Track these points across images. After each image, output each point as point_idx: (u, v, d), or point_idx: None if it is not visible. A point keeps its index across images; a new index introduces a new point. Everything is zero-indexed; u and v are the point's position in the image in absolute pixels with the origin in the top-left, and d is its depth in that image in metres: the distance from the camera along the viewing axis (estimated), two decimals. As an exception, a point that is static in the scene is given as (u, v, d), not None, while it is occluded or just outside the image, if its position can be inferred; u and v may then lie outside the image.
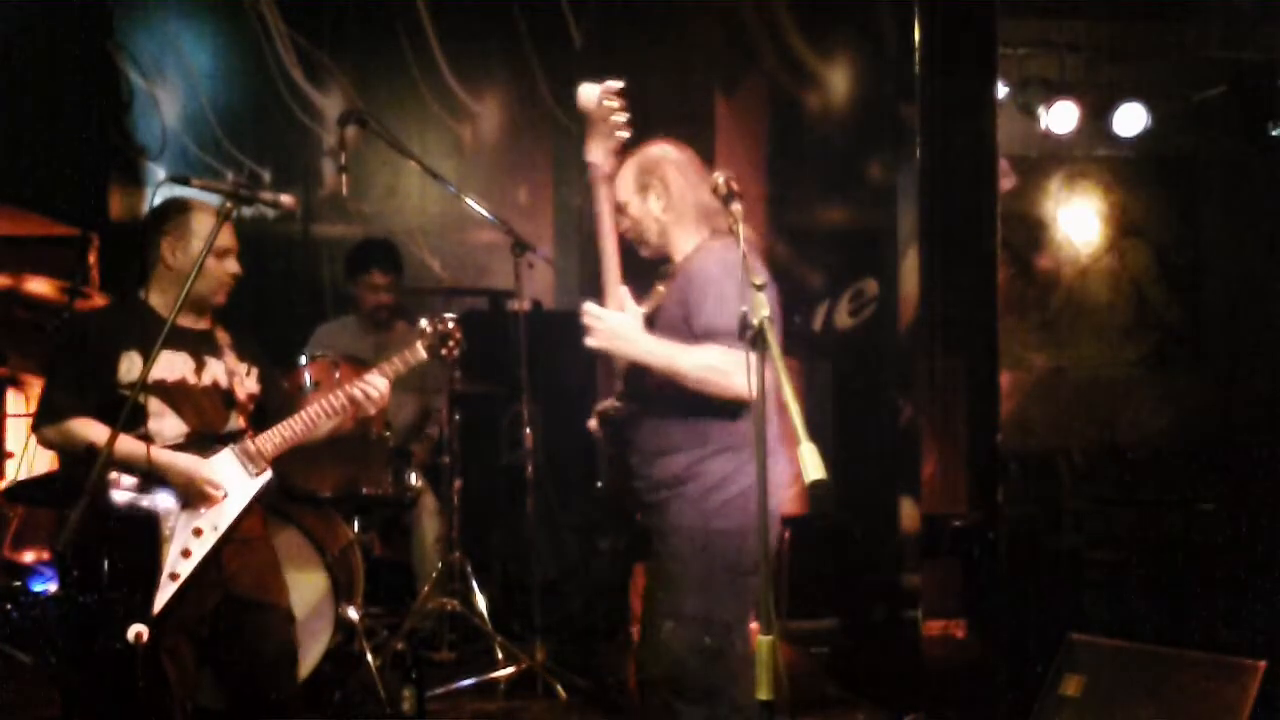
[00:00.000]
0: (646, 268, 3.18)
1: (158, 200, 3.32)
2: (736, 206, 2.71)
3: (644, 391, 2.98)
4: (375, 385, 3.37)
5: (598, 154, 2.91)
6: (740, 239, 2.61)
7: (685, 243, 3.05)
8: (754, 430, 2.50)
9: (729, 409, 2.86)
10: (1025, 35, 6.05)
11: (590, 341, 2.88)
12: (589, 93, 2.86)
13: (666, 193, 3.04)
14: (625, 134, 2.88)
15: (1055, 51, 6.15)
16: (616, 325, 2.87)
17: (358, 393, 3.35)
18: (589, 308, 2.89)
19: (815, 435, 2.32)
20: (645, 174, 3.06)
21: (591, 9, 6.01)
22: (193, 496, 3.15)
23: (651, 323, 2.98)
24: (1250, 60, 6.09)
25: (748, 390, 2.73)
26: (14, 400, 5.30)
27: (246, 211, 3.44)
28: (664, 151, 3.09)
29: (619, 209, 3.07)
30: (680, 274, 3.00)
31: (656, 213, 3.05)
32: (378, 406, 3.40)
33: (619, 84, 2.86)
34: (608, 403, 3.12)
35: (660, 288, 3.08)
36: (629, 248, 3.12)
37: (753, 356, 2.80)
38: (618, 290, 2.92)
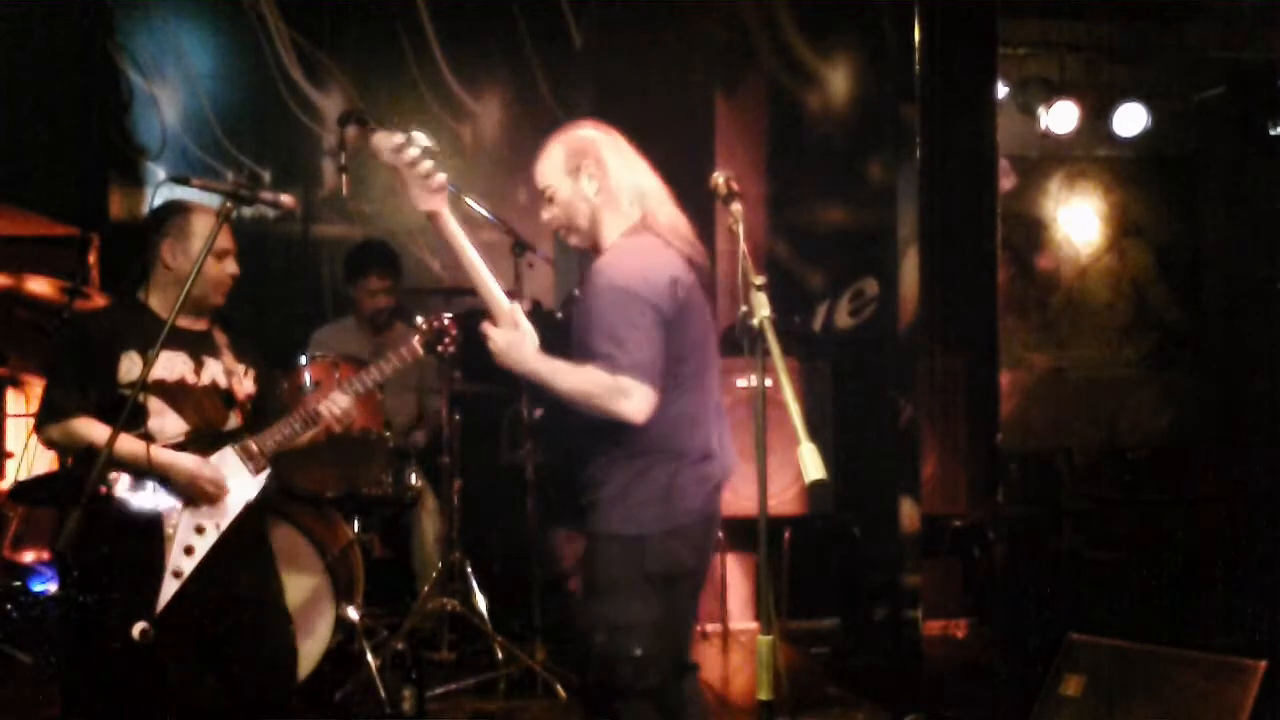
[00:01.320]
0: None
1: (158, 200, 3.34)
2: (736, 206, 2.69)
3: (552, 400, 2.89)
4: (337, 403, 3.37)
5: (421, 199, 2.77)
6: (741, 239, 2.61)
7: (614, 230, 2.92)
8: (756, 432, 2.49)
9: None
10: (1025, 35, 6.06)
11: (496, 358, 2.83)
12: (382, 142, 2.73)
13: (600, 173, 2.90)
14: (441, 176, 2.75)
15: (1055, 51, 6.15)
16: (504, 344, 2.80)
17: (321, 409, 3.35)
18: (484, 326, 2.81)
19: (815, 435, 2.32)
20: (577, 155, 2.91)
21: (591, 9, 6.01)
22: (195, 495, 3.16)
23: (567, 330, 2.90)
24: (1250, 60, 6.09)
25: (626, 413, 2.69)
26: (14, 400, 5.31)
27: (246, 211, 3.44)
28: (593, 132, 2.95)
29: (543, 197, 2.95)
30: (587, 277, 2.88)
31: (589, 194, 2.90)
32: (341, 424, 3.39)
33: (403, 135, 2.72)
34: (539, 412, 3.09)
35: (577, 292, 3.00)
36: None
37: (638, 379, 2.71)
38: (505, 309, 2.81)
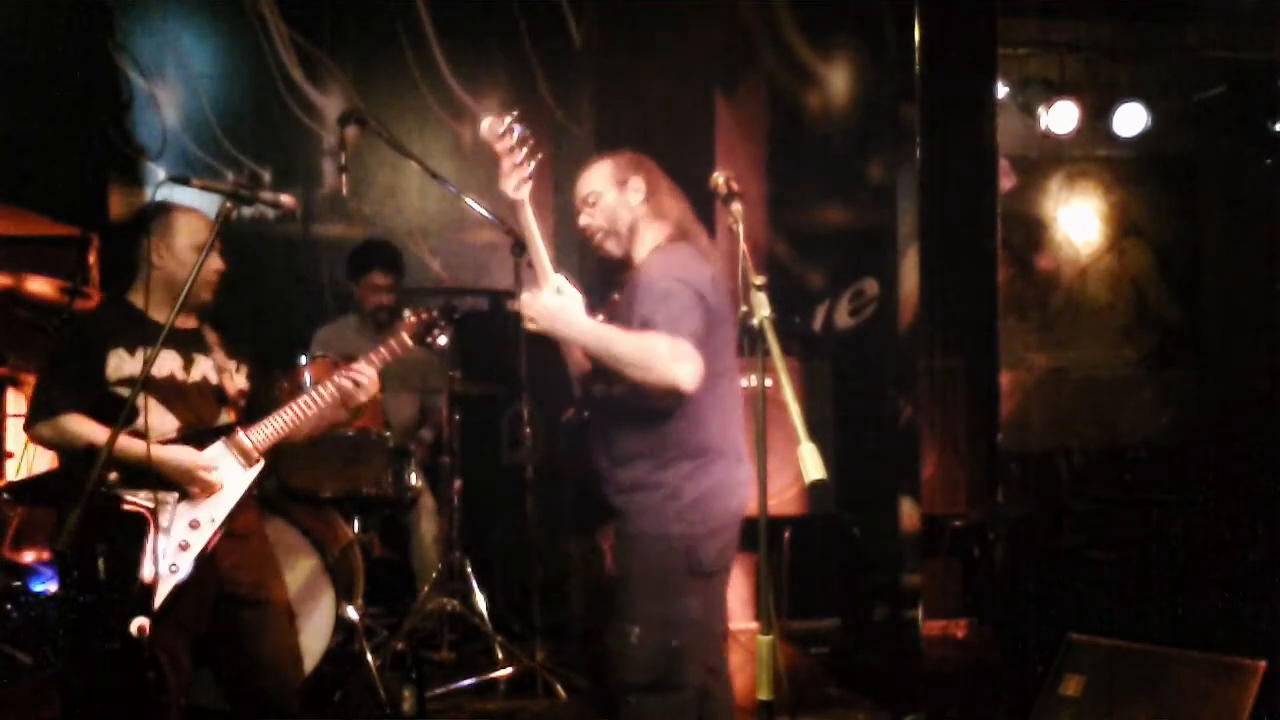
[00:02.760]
0: (609, 279, 3.19)
1: (158, 200, 3.35)
2: (736, 206, 2.72)
3: (602, 398, 3.00)
4: (363, 373, 3.39)
5: (510, 185, 2.87)
6: (741, 238, 2.62)
7: (650, 241, 3.06)
8: (756, 432, 2.50)
9: (685, 415, 2.88)
10: (1025, 35, 6.06)
11: (529, 326, 2.89)
12: (488, 125, 2.85)
13: (646, 188, 3.06)
14: (533, 163, 2.86)
15: (1055, 51, 6.16)
16: (552, 305, 2.86)
17: (346, 382, 3.37)
18: (523, 296, 2.89)
19: (815, 435, 2.32)
20: (625, 168, 3.08)
21: (591, 9, 6.00)
22: (189, 489, 3.17)
23: None
24: (1250, 60, 6.09)
25: (680, 379, 2.77)
26: (14, 400, 5.29)
27: (246, 211, 3.45)
28: (641, 158, 3.13)
29: (583, 202, 3.09)
30: (630, 278, 3.02)
31: (632, 204, 3.05)
32: (368, 394, 3.42)
33: (513, 114, 2.84)
34: (569, 413, 3.16)
35: (616, 296, 3.10)
36: (589, 253, 3.13)
37: (692, 346, 2.79)
38: (552, 280, 2.91)
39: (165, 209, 3.34)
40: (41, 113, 5.26)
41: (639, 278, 2.96)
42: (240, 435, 3.29)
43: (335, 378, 3.40)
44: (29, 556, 4.92)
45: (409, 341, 3.56)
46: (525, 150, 2.84)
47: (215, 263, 3.36)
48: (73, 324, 3.44)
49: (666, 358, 2.77)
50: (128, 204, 5.79)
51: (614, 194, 3.06)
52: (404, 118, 5.92)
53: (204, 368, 3.35)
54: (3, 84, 5.10)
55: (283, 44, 5.89)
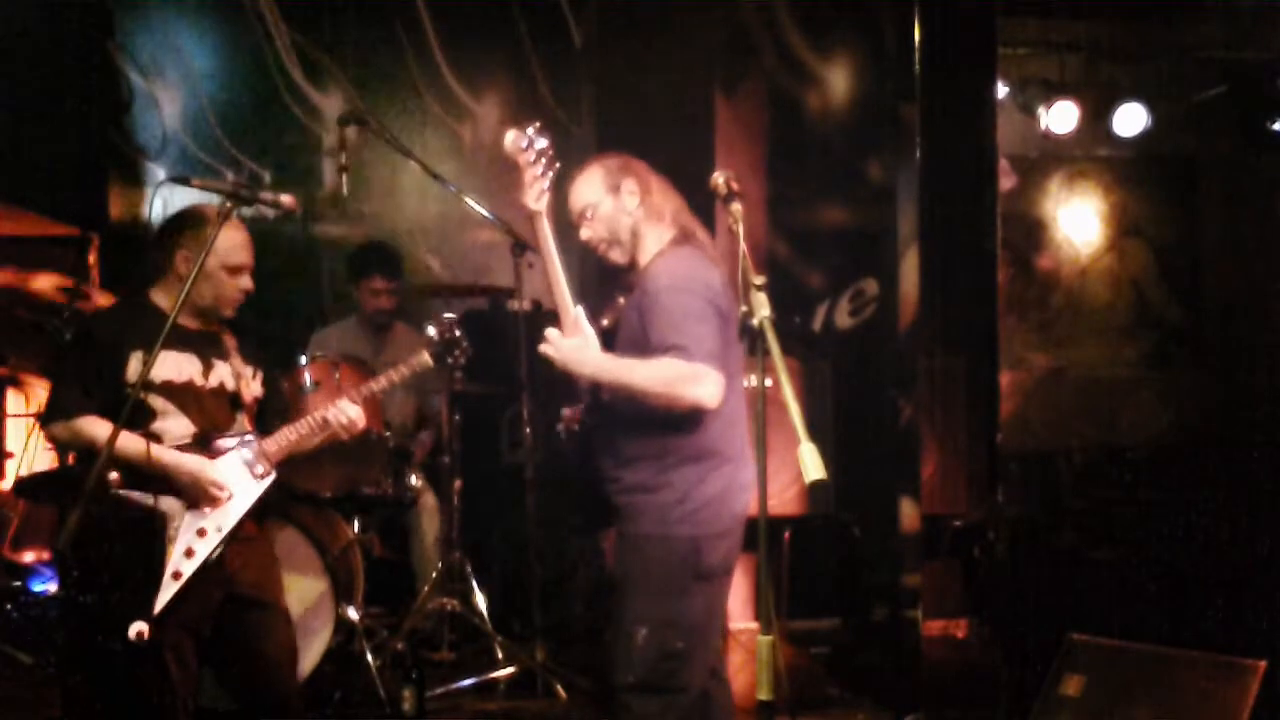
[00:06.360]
0: (610, 278, 3.20)
1: (158, 200, 3.34)
2: (736, 206, 2.72)
3: (608, 400, 3.01)
4: (345, 412, 3.36)
5: (530, 197, 2.91)
6: (741, 238, 2.62)
7: (654, 243, 3.04)
8: (756, 432, 2.50)
9: (693, 419, 2.88)
10: (1025, 35, 6.05)
11: (550, 361, 2.93)
12: (512, 139, 2.89)
13: (641, 188, 3.03)
14: (551, 173, 2.90)
15: (1055, 51, 6.15)
16: (570, 350, 2.90)
17: (329, 417, 3.35)
18: (549, 333, 2.93)
19: (815, 435, 2.32)
20: (616, 173, 3.05)
21: (591, 9, 6.01)
22: (197, 497, 3.16)
23: (614, 334, 3.01)
24: (1250, 60, 6.08)
25: (703, 400, 2.81)
26: (14, 400, 5.30)
27: (246, 211, 3.43)
28: (626, 158, 3.11)
29: (580, 217, 3.06)
30: (638, 284, 3.00)
31: (630, 208, 3.03)
32: (349, 433, 3.39)
33: (537, 124, 2.88)
34: (571, 411, 3.16)
35: (620, 299, 3.09)
36: (595, 259, 3.12)
37: (711, 366, 2.82)
38: (571, 314, 2.94)
39: (201, 221, 3.26)
40: (41, 113, 5.27)
41: (647, 285, 2.95)
42: (255, 444, 3.28)
43: (325, 411, 3.36)
44: (29, 556, 4.93)
45: (430, 362, 3.57)
46: (544, 161, 2.86)
47: (245, 282, 3.30)
48: (90, 323, 3.42)
49: (682, 384, 2.80)
50: (128, 204, 5.80)
51: (610, 202, 3.03)
52: (404, 118, 5.92)
53: (221, 373, 3.32)
54: (3, 84, 5.10)
55: (283, 44, 5.90)
